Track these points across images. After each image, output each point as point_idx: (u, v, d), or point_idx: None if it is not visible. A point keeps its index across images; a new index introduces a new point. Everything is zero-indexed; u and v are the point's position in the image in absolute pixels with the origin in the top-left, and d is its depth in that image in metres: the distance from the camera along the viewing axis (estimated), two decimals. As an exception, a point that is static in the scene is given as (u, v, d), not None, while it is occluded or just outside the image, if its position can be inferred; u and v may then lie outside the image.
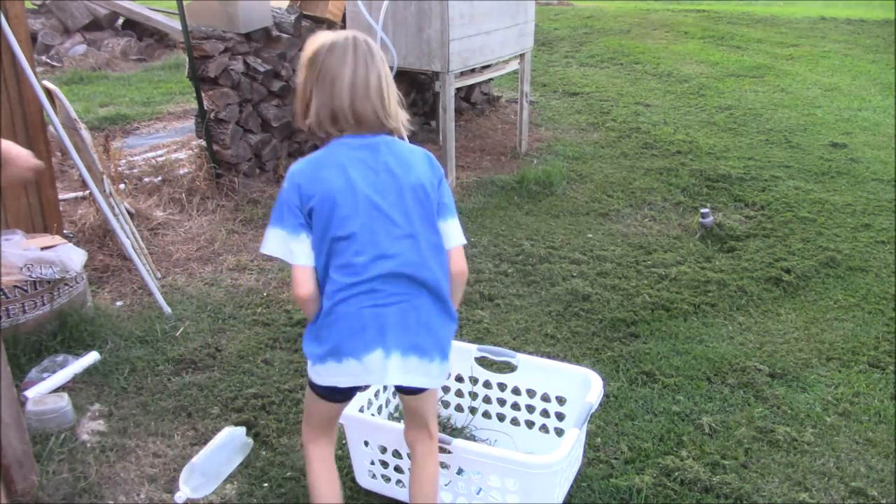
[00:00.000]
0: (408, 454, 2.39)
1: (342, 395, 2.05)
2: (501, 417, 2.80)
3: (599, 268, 4.14)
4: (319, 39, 1.91)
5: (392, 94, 1.94)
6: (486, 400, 2.80)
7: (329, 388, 1.97)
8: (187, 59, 4.88)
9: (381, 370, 1.89)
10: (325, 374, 1.93)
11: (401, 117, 1.96)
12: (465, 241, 2.04)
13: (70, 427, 2.80)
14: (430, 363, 1.93)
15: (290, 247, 1.90)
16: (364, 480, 2.55)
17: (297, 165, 1.93)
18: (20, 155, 1.98)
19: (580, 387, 2.56)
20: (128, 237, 3.81)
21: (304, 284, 1.92)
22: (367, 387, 2.18)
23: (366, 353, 1.87)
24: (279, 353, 3.33)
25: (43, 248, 3.30)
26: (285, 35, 5.33)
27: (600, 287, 3.92)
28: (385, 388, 2.76)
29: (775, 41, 10.27)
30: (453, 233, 2.01)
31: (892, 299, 3.83)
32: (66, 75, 8.52)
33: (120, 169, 4.95)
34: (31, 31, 6.67)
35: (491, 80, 6.67)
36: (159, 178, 5.02)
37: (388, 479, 2.49)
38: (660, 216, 4.89)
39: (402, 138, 2.01)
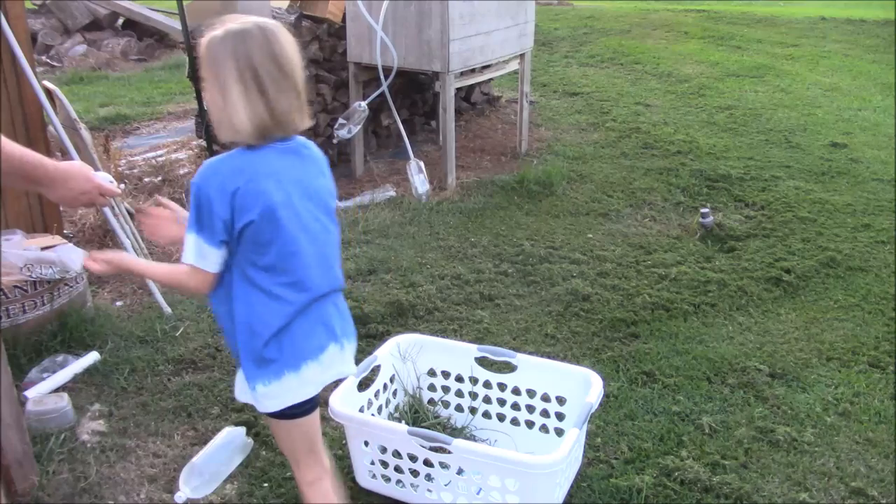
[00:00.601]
0: (409, 454, 2.39)
1: (311, 403, 1.96)
2: (501, 417, 2.80)
3: (599, 268, 4.14)
4: (223, 32, 1.71)
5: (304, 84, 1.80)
6: (486, 400, 2.80)
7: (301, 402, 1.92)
8: (187, 59, 4.88)
9: (342, 362, 1.92)
10: (295, 389, 1.88)
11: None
12: None
13: (70, 427, 2.80)
14: (353, 344, 2.00)
15: (211, 257, 1.78)
16: (364, 480, 2.55)
17: (223, 170, 1.74)
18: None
19: (580, 387, 2.56)
20: (128, 237, 3.81)
21: (211, 286, 1.83)
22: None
23: (322, 352, 1.88)
24: (279, 353, 3.33)
25: (43, 248, 3.30)
26: (285, 35, 5.32)
27: (600, 287, 3.92)
28: (385, 387, 2.76)
29: (775, 41, 10.27)
30: None
31: (892, 299, 3.83)
32: (66, 75, 8.52)
33: (120, 169, 4.95)
34: (31, 31, 6.67)
35: (491, 80, 6.67)
36: (159, 178, 5.02)
37: (388, 479, 2.49)
38: (660, 216, 4.89)
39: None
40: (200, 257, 1.76)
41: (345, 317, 1.97)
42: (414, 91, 6.33)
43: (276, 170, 1.77)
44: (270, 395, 1.84)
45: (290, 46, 1.75)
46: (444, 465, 2.37)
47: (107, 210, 3.67)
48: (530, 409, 2.73)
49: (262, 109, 1.72)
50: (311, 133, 5.62)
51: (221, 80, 1.71)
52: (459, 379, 2.82)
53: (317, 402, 1.96)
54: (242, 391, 1.91)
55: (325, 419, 2.85)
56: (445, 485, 2.40)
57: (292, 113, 1.77)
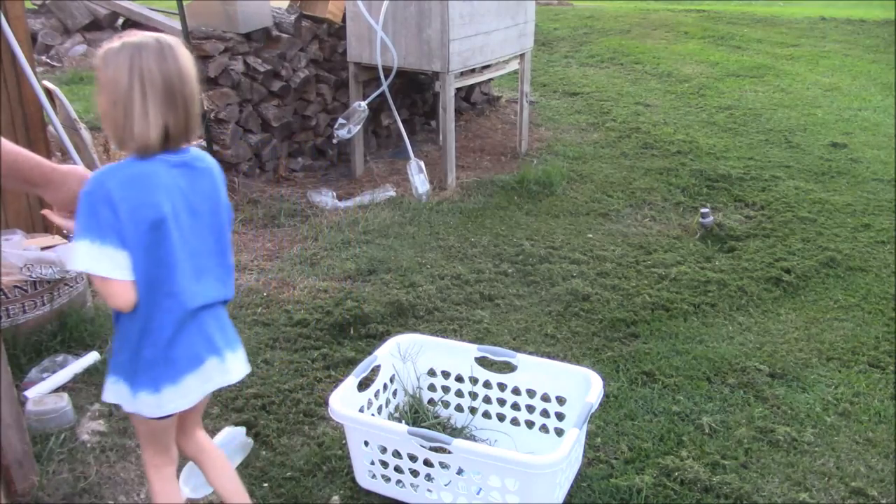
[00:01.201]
0: (409, 454, 2.39)
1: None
2: (501, 417, 2.80)
3: (599, 268, 4.14)
4: (120, 44, 1.74)
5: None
6: (486, 400, 2.80)
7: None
8: (187, 59, 4.88)
9: (223, 372, 1.94)
10: (171, 399, 1.89)
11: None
12: None
13: (70, 427, 2.80)
14: (239, 348, 2.02)
15: (117, 261, 1.75)
16: (364, 481, 2.55)
17: (115, 180, 1.74)
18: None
19: (580, 387, 2.56)
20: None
21: (133, 296, 1.80)
22: None
23: (201, 364, 1.90)
24: (279, 353, 3.33)
25: (43, 248, 3.30)
26: (285, 35, 5.33)
27: (600, 287, 3.92)
28: (385, 387, 2.76)
29: (775, 41, 10.26)
30: None
31: (892, 299, 3.83)
32: (66, 75, 8.51)
33: (120, 169, 4.94)
34: (31, 31, 6.66)
35: (491, 80, 6.67)
36: (159, 178, 5.02)
37: (388, 479, 2.49)
38: (660, 216, 4.89)
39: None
40: (94, 261, 1.75)
41: (225, 328, 1.98)
42: (414, 91, 6.33)
43: (165, 182, 1.78)
44: (152, 403, 1.87)
45: (186, 62, 1.78)
46: (444, 465, 2.37)
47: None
48: (530, 409, 2.73)
49: (154, 123, 1.74)
50: (312, 133, 5.64)
51: (115, 91, 1.72)
52: (459, 379, 2.82)
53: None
54: (113, 393, 1.91)
55: (325, 419, 2.86)
56: (445, 485, 2.40)
57: (183, 127, 1.80)
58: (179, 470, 2.57)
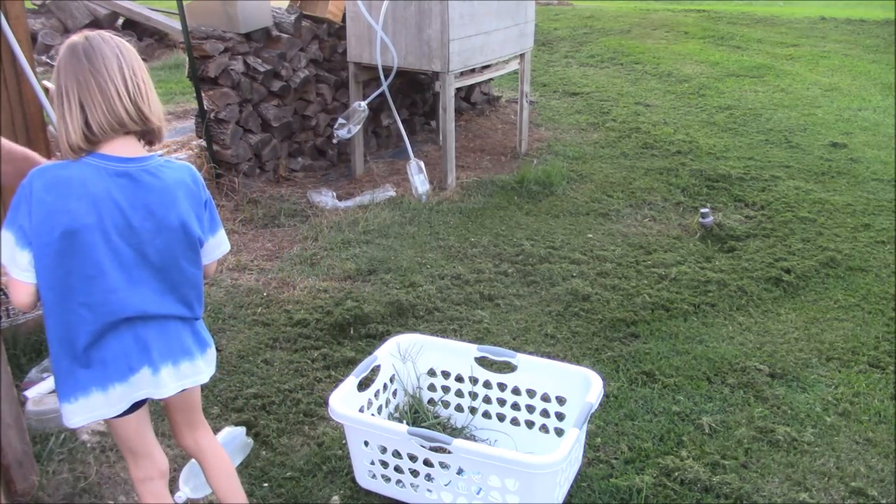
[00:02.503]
0: (409, 454, 2.39)
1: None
2: (501, 417, 2.80)
3: (599, 268, 4.14)
4: (67, 43, 1.76)
5: (151, 87, 1.78)
6: (486, 400, 2.80)
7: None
8: (187, 59, 4.88)
9: (155, 384, 1.90)
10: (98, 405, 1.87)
11: (161, 113, 1.81)
12: (226, 250, 2.04)
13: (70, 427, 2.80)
14: (194, 362, 1.96)
15: (17, 258, 1.74)
16: (364, 481, 2.55)
17: (42, 180, 1.72)
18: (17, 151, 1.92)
19: (580, 387, 2.56)
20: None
21: (29, 297, 1.78)
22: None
23: (132, 374, 1.86)
24: (279, 353, 3.33)
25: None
26: (285, 35, 5.33)
27: (600, 287, 3.92)
28: (385, 387, 2.76)
29: (775, 41, 10.26)
30: (215, 247, 2.00)
31: (892, 299, 3.83)
32: (66, 75, 8.51)
33: (120, 169, 4.94)
34: (31, 31, 6.66)
35: (491, 80, 6.67)
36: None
37: (388, 479, 2.49)
38: (660, 216, 4.89)
39: (160, 139, 1.87)
40: (12, 262, 1.74)
41: (171, 340, 1.90)
42: (414, 91, 6.33)
43: (93, 191, 1.73)
44: (76, 411, 1.85)
45: (113, 61, 1.73)
46: (444, 465, 2.37)
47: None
48: (530, 409, 2.73)
49: (79, 124, 1.72)
50: (312, 133, 5.64)
51: (57, 91, 1.73)
52: (459, 379, 2.82)
53: (133, 408, 1.95)
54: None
55: (325, 419, 2.86)
56: (445, 485, 2.40)
57: (113, 130, 1.74)
58: (180, 470, 2.58)
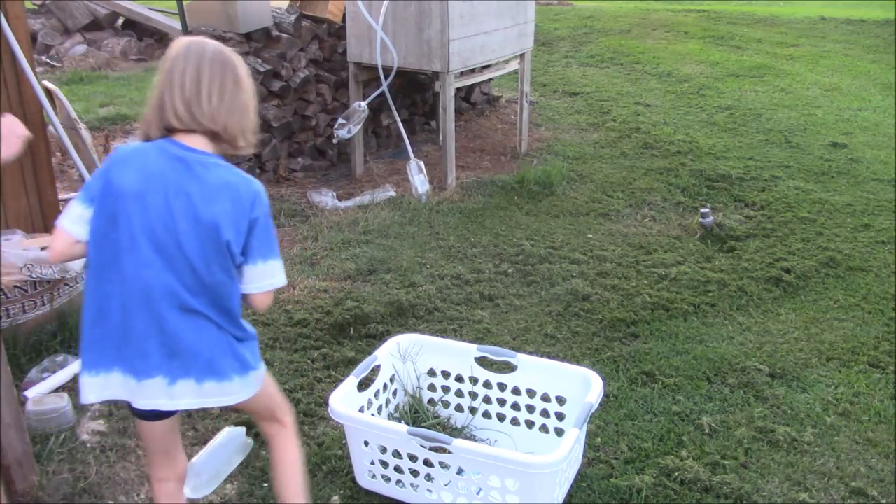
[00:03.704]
0: (409, 454, 2.40)
1: (138, 410, 1.93)
2: (501, 417, 2.80)
3: (599, 268, 4.14)
4: (178, 42, 1.92)
5: (225, 98, 1.87)
6: (486, 400, 2.80)
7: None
8: (187, 59, 4.87)
9: (169, 395, 1.87)
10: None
11: (237, 126, 1.89)
12: (278, 284, 1.97)
13: (70, 427, 2.80)
14: (222, 382, 1.90)
15: (70, 209, 1.85)
16: (364, 481, 2.55)
17: (117, 152, 1.88)
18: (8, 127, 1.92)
19: (580, 387, 2.56)
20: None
21: (61, 246, 1.85)
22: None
23: (147, 377, 1.85)
24: (279, 353, 3.33)
25: (43, 248, 3.30)
26: (285, 35, 5.33)
27: (600, 287, 3.92)
28: (385, 387, 2.76)
29: (775, 41, 10.26)
30: (264, 275, 1.93)
31: (892, 299, 3.83)
32: (66, 75, 8.52)
33: (120, 169, 4.94)
34: (31, 31, 6.67)
35: (491, 80, 6.67)
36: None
37: (388, 479, 2.49)
38: (660, 216, 4.89)
39: (235, 148, 1.93)
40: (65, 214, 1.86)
41: (200, 349, 1.85)
42: (414, 91, 6.33)
43: (151, 167, 1.82)
44: (92, 387, 1.86)
45: (192, 66, 1.86)
46: (444, 465, 2.37)
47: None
48: (530, 409, 2.73)
49: (155, 112, 1.86)
50: (312, 133, 5.64)
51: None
52: (459, 379, 2.82)
53: (149, 415, 1.92)
54: None
55: (325, 419, 2.86)
56: (445, 485, 2.40)
57: (187, 117, 1.84)
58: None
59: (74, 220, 1.83)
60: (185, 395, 1.85)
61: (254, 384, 1.95)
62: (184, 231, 1.81)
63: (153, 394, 1.84)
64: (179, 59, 1.85)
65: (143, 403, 1.86)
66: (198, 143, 1.86)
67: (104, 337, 1.83)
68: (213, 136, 1.87)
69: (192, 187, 1.81)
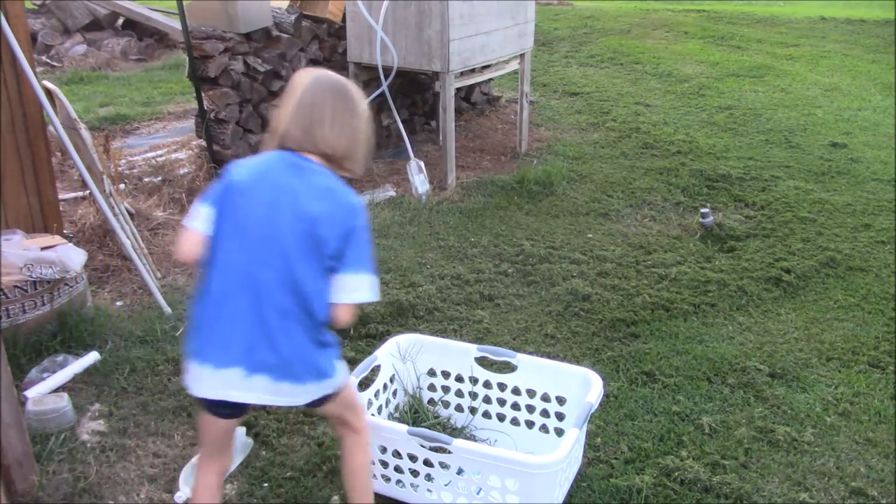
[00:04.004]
0: (409, 454, 2.40)
1: (206, 403, 2.00)
2: (501, 417, 2.80)
3: (599, 268, 4.14)
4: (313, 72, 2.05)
5: (336, 125, 1.98)
6: (486, 400, 2.80)
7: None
8: (187, 59, 4.88)
9: (247, 387, 1.93)
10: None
11: (346, 149, 2.01)
12: (365, 299, 1.98)
13: (70, 427, 2.80)
14: (295, 385, 1.97)
15: (194, 210, 1.97)
16: (364, 480, 2.55)
17: (238, 160, 2.05)
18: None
19: (580, 387, 2.56)
20: (128, 237, 3.81)
21: (188, 244, 1.96)
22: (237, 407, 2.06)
23: (227, 366, 1.93)
24: (279, 353, 3.33)
25: (43, 248, 3.30)
26: (285, 35, 5.33)
27: (600, 287, 3.92)
28: (385, 387, 2.76)
29: (775, 41, 10.27)
30: (352, 287, 1.95)
31: (892, 299, 3.83)
32: (66, 75, 8.52)
33: (120, 169, 4.95)
34: (31, 31, 6.66)
35: (491, 80, 6.67)
36: (159, 178, 5.02)
37: (388, 479, 2.49)
38: (660, 216, 4.89)
39: (343, 168, 2.04)
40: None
41: (284, 349, 1.90)
42: (414, 91, 6.33)
43: (264, 167, 1.97)
44: (192, 375, 1.95)
45: (309, 97, 1.98)
46: (444, 465, 2.37)
47: (107, 210, 3.67)
48: (530, 409, 2.73)
49: (279, 123, 2.00)
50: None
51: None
52: (459, 379, 2.82)
53: (219, 409, 1.99)
54: None
55: (324, 419, 2.85)
56: (445, 485, 2.40)
57: (301, 137, 1.97)
58: (180, 470, 2.58)
59: (199, 219, 1.94)
60: (259, 390, 1.91)
61: (325, 390, 2.01)
62: (284, 223, 1.89)
63: (228, 384, 1.90)
64: (307, 93, 1.97)
65: (214, 393, 1.91)
66: (313, 158, 1.99)
67: (207, 325, 1.93)
68: (326, 157, 1.99)
69: (299, 186, 1.92)
